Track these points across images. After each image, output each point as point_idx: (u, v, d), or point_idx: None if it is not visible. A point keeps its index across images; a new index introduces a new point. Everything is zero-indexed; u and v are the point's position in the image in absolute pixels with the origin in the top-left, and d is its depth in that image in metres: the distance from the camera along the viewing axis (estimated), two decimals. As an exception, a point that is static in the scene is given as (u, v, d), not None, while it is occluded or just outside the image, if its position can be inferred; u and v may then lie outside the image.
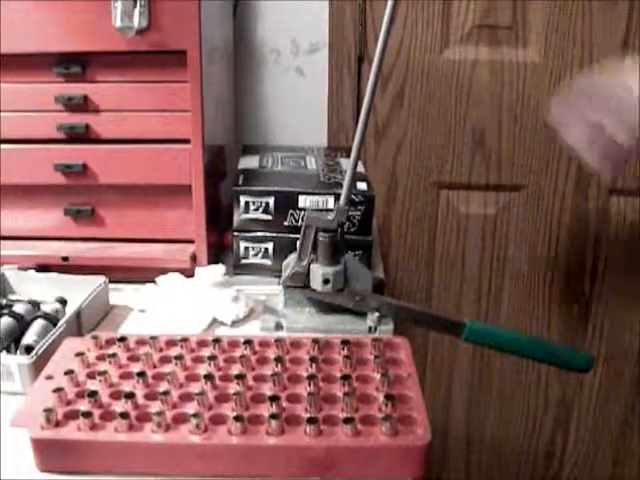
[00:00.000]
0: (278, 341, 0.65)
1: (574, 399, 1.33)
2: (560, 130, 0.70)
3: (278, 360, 0.61)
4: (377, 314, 0.72)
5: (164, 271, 0.83)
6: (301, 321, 0.74)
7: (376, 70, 0.68)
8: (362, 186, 0.87)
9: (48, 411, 0.53)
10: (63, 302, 0.76)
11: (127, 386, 0.58)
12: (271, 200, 0.85)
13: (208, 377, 0.58)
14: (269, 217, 0.86)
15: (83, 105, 0.81)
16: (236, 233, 0.87)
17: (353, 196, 0.83)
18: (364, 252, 0.86)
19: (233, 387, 0.58)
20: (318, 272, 0.72)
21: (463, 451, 1.39)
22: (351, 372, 0.60)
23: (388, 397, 0.55)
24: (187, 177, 0.83)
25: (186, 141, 0.82)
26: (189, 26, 0.77)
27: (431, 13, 1.12)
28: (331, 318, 0.75)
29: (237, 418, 0.53)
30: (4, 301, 0.77)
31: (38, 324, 0.71)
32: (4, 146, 0.83)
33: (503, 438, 1.37)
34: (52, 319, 0.72)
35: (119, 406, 0.55)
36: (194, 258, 0.86)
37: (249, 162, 0.97)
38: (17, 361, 0.63)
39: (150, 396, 0.57)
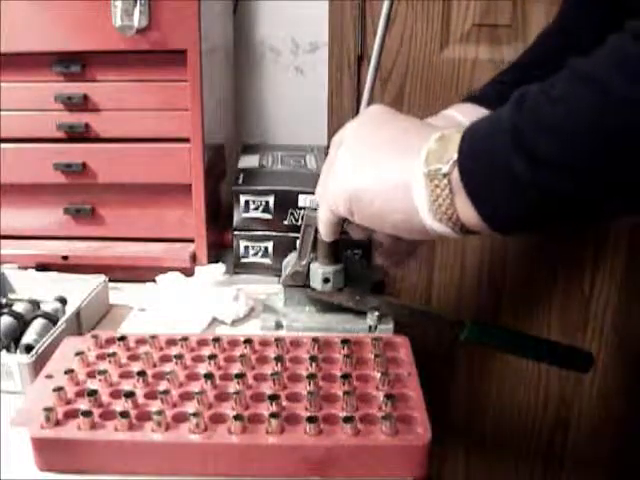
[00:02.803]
0: (278, 340, 0.65)
1: (574, 399, 1.33)
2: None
3: (278, 359, 0.61)
4: (377, 313, 0.72)
5: (164, 270, 0.83)
6: (301, 320, 0.74)
7: (374, 69, 0.68)
8: (362, 185, 0.87)
9: (48, 410, 0.53)
10: (63, 301, 0.76)
11: (127, 385, 0.58)
12: (271, 199, 0.85)
13: (208, 376, 0.58)
14: (269, 216, 0.86)
15: (83, 104, 0.81)
16: (236, 232, 0.87)
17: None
18: (364, 251, 0.86)
19: (233, 386, 0.58)
20: (318, 271, 0.72)
21: (463, 451, 1.39)
22: (351, 371, 0.60)
23: (388, 396, 0.55)
24: (187, 176, 0.83)
25: (186, 140, 0.82)
26: (189, 25, 0.77)
27: (431, 12, 1.12)
28: (331, 317, 0.75)
29: (237, 417, 0.53)
30: (4, 300, 0.77)
31: (38, 323, 0.71)
32: (4, 145, 0.83)
33: (503, 438, 1.37)
34: (52, 318, 0.72)
35: (119, 405, 0.55)
36: (194, 257, 0.86)
37: (249, 161, 0.97)
38: (17, 360, 0.63)
39: (150, 395, 0.57)
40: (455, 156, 0.46)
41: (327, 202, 0.58)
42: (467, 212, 0.46)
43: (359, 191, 0.52)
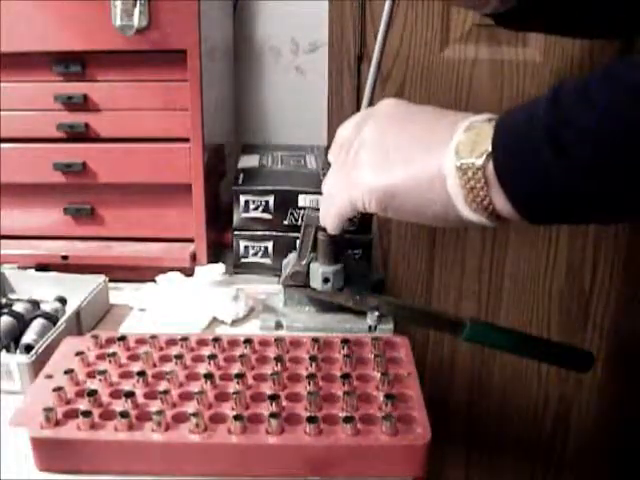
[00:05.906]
0: (278, 340, 0.65)
1: (574, 398, 1.33)
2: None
3: (278, 359, 0.61)
4: (377, 313, 0.72)
5: (164, 270, 0.83)
6: (301, 320, 0.74)
7: (375, 69, 0.68)
8: (362, 185, 0.86)
9: (48, 410, 0.53)
10: (63, 301, 0.76)
11: (127, 385, 0.58)
12: (271, 199, 0.85)
13: (208, 376, 0.58)
14: (269, 216, 0.86)
15: (83, 104, 0.81)
16: (236, 232, 0.87)
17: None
18: (364, 251, 0.86)
19: (233, 386, 0.58)
20: (318, 271, 0.72)
21: (463, 451, 1.39)
22: (351, 371, 0.60)
23: (388, 396, 0.55)
24: (187, 176, 0.83)
25: (186, 140, 0.82)
26: (189, 25, 0.77)
27: (431, 12, 1.12)
28: (331, 317, 0.75)
29: (237, 417, 0.53)
30: (4, 300, 0.77)
31: (38, 323, 0.71)
32: (4, 145, 0.83)
33: (503, 437, 1.37)
34: (52, 318, 0.72)
35: (119, 405, 0.55)
36: (194, 257, 0.86)
37: (249, 161, 0.97)
38: (17, 360, 0.63)
39: (150, 395, 0.57)
40: (489, 149, 0.46)
41: (350, 198, 0.57)
42: (502, 203, 0.47)
43: (392, 187, 0.52)
